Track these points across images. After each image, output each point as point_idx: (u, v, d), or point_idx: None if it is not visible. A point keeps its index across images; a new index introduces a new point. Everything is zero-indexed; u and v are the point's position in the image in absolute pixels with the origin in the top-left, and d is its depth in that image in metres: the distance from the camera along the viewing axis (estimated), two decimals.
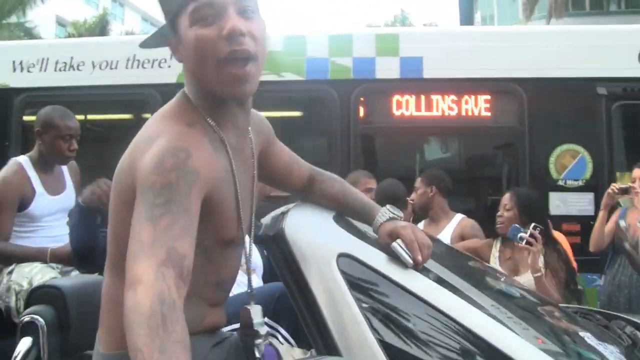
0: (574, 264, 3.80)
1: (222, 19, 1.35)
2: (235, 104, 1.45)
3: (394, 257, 1.64)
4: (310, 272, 1.57)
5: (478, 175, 5.75)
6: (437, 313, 1.59)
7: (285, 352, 1.62)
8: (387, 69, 5.34)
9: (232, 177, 1.43)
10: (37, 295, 2.52)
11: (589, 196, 4.98)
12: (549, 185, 5.03)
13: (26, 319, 2.34)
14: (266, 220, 1.73)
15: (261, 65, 1.43)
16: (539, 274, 3.40)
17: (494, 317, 1.65)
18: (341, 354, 1.49)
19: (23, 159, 3.22)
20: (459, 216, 4.43)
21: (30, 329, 2.28)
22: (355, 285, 1.59)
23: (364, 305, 1.57)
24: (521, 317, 1.87)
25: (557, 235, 3.95)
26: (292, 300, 1.59)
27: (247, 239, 1.52)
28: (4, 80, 5.74)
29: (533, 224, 3.49)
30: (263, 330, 1.51)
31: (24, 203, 3.10)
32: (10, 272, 2.93)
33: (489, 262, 3.72)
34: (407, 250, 1.63)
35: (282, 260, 1.61)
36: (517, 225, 3.56)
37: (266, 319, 2.39)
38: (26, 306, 2.59)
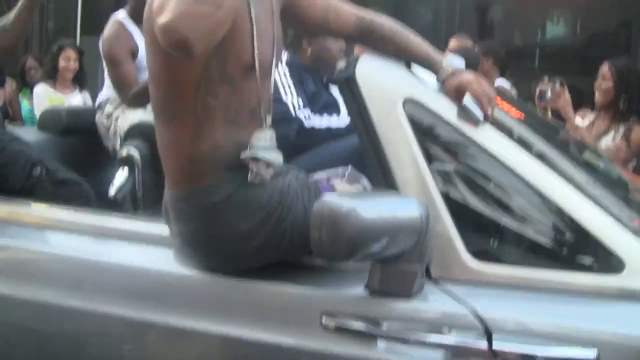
0: None
1: None
2: None
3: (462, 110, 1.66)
4: (376, 113, 1.64)
5: None
6: (503, 168, 1.60)
7: (342, 188, 1.73)
8: None
9: (247, 6, 1.51)
10: (134, 129, 2.74)
11: None
12: None
13: (124, 152, 2.56)
14: (341, 64, 1.79)
15: None
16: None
17: (570, 182, 1.62)
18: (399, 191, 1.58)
19: (121, 16, 3.18)
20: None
21: (127, 162, 2.51)
22: (419, 129, 1.65)
23: (427, 148, 1.64)
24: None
25: None
26: (359, 138, 1.68)
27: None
28: None
29: (554, 81, 3.28)
30: (263, 154, 1.51)
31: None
32: (117, 119, 3.15)
33: None
34: (476, 106, 1.63)
35: (352, 102, 1.69)
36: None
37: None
38: (124, 141, 2.80)
